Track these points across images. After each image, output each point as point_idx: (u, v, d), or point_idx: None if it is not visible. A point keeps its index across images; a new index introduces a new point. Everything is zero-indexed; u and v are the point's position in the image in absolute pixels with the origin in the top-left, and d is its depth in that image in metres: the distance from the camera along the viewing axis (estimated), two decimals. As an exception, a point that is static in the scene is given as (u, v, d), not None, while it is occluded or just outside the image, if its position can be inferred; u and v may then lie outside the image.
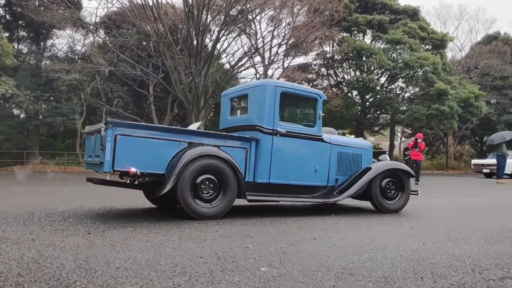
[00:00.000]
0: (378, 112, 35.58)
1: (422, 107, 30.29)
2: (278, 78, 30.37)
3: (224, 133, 7.05)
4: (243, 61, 27.59)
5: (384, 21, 32.39)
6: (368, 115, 35.86)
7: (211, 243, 4.71)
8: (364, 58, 30.47)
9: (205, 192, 6.31)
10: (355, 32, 33.47)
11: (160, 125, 6.69)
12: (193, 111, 24.59)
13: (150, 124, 6.32)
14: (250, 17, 27.43)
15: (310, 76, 34.46)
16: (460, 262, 4.14)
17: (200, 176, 6.26)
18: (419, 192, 8.43)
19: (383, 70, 31.28)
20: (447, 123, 30.78)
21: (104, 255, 4.10)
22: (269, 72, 30.03)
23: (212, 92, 27.10)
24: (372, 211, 7.97)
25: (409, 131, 48.02)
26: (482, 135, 45.80)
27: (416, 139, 19.01)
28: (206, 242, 4.78)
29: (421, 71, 30.67)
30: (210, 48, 25.99)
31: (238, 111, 7.94)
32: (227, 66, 30.64)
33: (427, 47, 33.24)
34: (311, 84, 34.83)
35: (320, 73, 35.02)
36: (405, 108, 31.38)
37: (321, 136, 7.46)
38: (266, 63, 29.22)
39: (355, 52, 30.10)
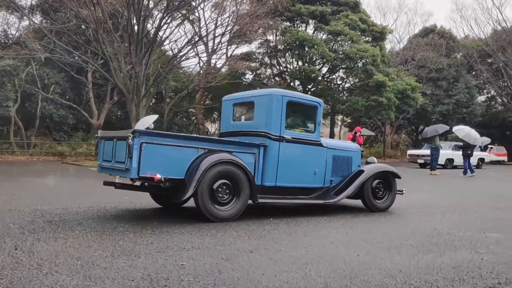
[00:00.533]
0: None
1: (361, 98, 30.91)
2: (221, 67, 30.10)
3: (234, 139, 7.59)
4: (186, 50, 27.16)
5: (326, 12, 32.70)
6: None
7: (144, 260, 4.57)
8: (306, 49, 30.68)
9: (220, 196, 6.86)
10: (298, 22, 33.62)
11: (180, 134, 7.29)
12: (133, 100, 24.01)
13: (171, 133, 6.82)
14: (193, 3, 26.97)
15: (253, 65, 34.40)
16: (391, 279, 4.22)
17: (217, 181, 6.80)
18: (404, 191, 9.10)
19: (324, 61, 31.64)
20: (385, 114, 31.58)
21: (30, 279, 3.89)
22: (212, 61, 29.74)
23: (154, 80, 26.53)
24: (309, 213, 8.08)
25: (349, 120, 49.10)
26: (418, 125, 47.54)
27: (355, 132, 19.41)
28: (139, 258, 4.63)
29: (361, 62, 31.24)
30: (151, 35, 25.38)
31: (243, 117, 8.63)
32: (169, 53, 30.07)
33: (367, 39, 33.87)
34: (254, 73, 34.81)
35: (264, 62, 35.02)
36: (345, 98, 31.90)
37: (320, 141, 8.15)
38: (210, 51, 28.90)
39: (297, 43, 30.26)
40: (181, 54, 27.03)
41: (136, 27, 23.56)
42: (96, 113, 29.77)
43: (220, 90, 29.20)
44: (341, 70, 35.92)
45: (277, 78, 34.99)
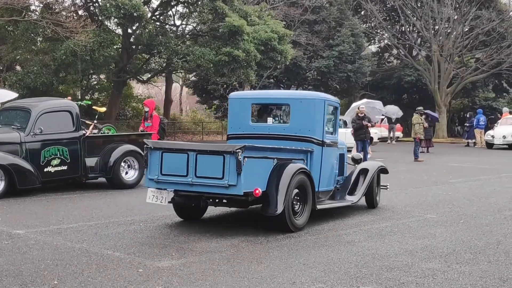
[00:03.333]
0: (148, 54, 34.59)
1: (209, 50, 29.93)
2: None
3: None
4: None
5: None
6: (133, 58, 34.69)
7: None
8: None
9: (296, 205, 9.17)
10: None
11: (265, 145, 9.37)
12: None
13: (260, 145, 9.14)
14: None
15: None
16: None
17: (293, 190, 9.03)
18: (388, 186, 12.32)
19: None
20: (243, 72, 31.02)
21: None
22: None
23: None
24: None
25: (193, 78, 48.22)
26: (289, 86, 48.08)
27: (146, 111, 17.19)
28: None
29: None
30: None
31: (270, 119, 10.85)
32: None
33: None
34: (43, 4, 32.03)
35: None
36: (185, 50, 30.67)
37: (338, 142, 11.03)
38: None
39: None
40: None
41: None
42: None
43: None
44: (180, 6, 34.73)
45: (80, 13, 32.66)
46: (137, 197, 12.40)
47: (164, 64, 36.40)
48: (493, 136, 33.15)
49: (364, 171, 11.38)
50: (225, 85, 43.94)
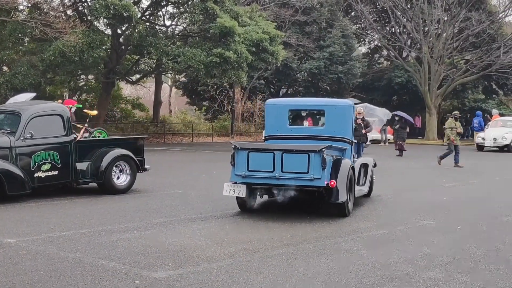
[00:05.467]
0: (138, 54, 34.43)
1: (199, 51, 29.83)
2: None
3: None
4: None
5: None
6: (123, 58, 34.54)
7: None
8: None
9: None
10: None
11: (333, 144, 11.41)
12: None
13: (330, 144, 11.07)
14: None
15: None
16: None
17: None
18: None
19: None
20: (234, 74, 30.93)
21: None
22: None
23: None
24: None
25: (183, 79, 48.08)
26: (279, 88, 48.06)
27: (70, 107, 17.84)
28: None
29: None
30: None
31: (305, 122, 13.43)
32: None
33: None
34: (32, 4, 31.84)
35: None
36: (176, 50, 30.54)
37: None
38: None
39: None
40: None
41: None
42: None
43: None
44: (170, 6, 34.63)
45: (69, 13, 32.49)
46: (129, 203, 12.27)
47: (154, 65, 36.30)
48: (483, 138, 33.19)
49: (365, 165, 13.08)
50: (215, 86, 43.85)
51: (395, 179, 17.91)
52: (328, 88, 45.51)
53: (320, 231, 9.76)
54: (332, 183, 10.30)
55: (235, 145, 10.82)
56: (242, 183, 10.63)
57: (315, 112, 13.67)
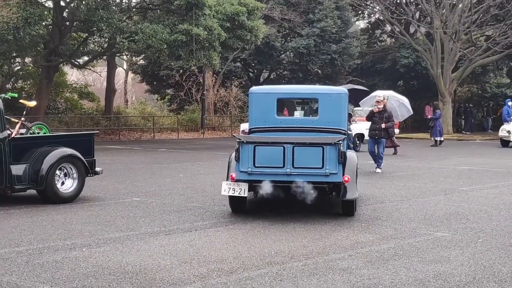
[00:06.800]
0: (86, 32, 34.36)
1: (162, 27, 29.81)
2: None
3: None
4: None
5: None
6: (67, 37, 34.47)
7: None
8: None
9: None
10: None
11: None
12: None
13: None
14: None
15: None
16: None
17: None
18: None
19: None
20: (204, 55, 30.93)
21: None
22: None
23: None
24: None
25: (142, 61, 48.02)
26: (260, 71, 48.05)
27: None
28: None
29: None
30: None
31: (297, 113, 14.85)
32: None
33: None
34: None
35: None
36: (133, 27, 30.51)
37: None
38: None
39: None
40: None
41: None
42: None
43: None
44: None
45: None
46: (76, 214, 12.27)
47: (106, 45, 36.26)
48: (509, 132, 33.25)
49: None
50: (181, 71, 43.78)
51: (401, 182, 18.03)
52: (319, 71, 45.73)
53: (311, 246, 9.75)
54: (346, 178, 11.19)
55: (239, 139, 11.54)
56: (248, 180, 11.39)
57: (306, 100, 14.88)
